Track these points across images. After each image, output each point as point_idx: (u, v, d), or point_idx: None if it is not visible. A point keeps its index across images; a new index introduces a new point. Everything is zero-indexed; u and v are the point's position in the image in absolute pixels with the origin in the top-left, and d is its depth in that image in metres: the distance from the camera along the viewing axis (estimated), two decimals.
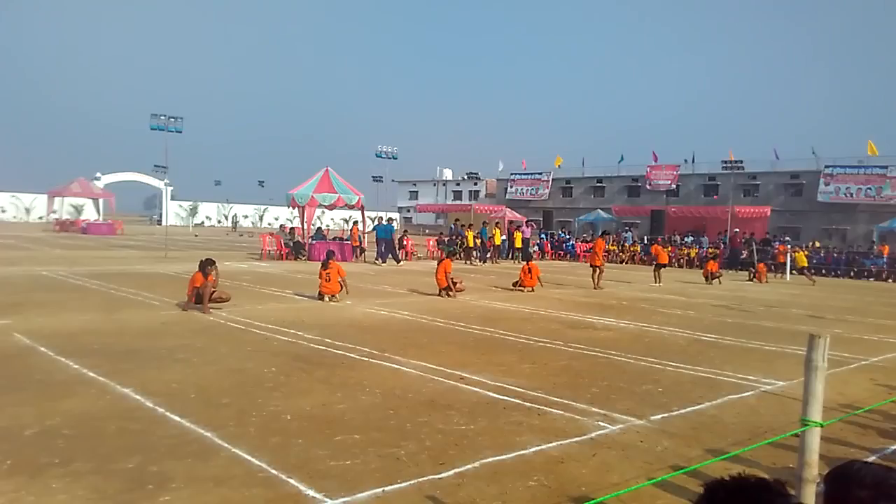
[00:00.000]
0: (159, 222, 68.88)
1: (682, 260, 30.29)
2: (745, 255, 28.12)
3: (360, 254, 25.63)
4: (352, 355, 7.84)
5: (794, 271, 24.14)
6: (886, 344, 10.17)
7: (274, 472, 4.20)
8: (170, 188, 73.24)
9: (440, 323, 10.70)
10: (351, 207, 26.36)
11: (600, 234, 23.63)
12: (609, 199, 53.73)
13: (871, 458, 4.74)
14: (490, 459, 4.55)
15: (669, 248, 27.64)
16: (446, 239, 29.70)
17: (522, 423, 5.44)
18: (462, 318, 11.27)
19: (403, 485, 4.07)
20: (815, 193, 44.05)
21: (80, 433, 4.81)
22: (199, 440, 4.75)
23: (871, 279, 26.41)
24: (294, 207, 26.38)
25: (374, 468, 4.32)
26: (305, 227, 26.30)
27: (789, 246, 27.96)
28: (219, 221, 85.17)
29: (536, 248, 32.95)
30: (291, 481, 4.07)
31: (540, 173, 60.46)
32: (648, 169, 52.62)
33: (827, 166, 43.76)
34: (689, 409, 6.02)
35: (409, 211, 77.09)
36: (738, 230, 32.67)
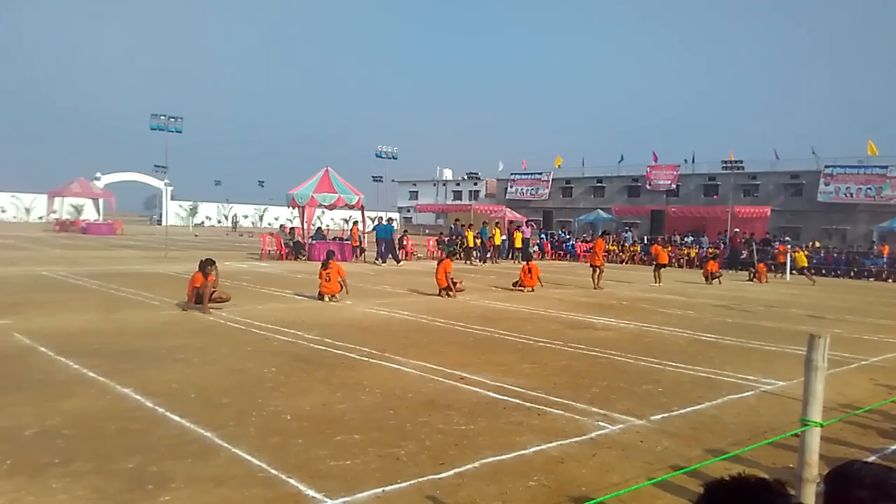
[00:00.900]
0: (159, 222, 68.88)
1: (682, 260, 30.28)
2: (745, 255, 28.12)
3: (360, 254, 25.63)
4: (352, 355, 7.84)
5: (794, 271, 24.14)
6: (886, 344, 10.17)
7: (274, 472, 4.20)
8: (170, 188, 73.24)
9: (440, 323, 10.70)
10: (351, 207, 26.36)
11: (600, 234, 23.62)
12: (609, 199, 53.72)
13: (871, 458, 4.74)
14: (490, 459, 4.55)
15: (669, 248, 27.64)
16: (446, 239, 29.70)
17: (522, 423, 5.44)
18: (462, 318, 11.27)
19: (403, 485, 4.07)
20: (815, 193, 44.05)
21: (80, 433, 4.81)
22: (199, 440, 4.75)
23: (871, 279, 26.41)
24: (294, 207, 26.38)
25: (374, 468, 4.32)
26: (305, 227, 26.30)
27: (789, 246, 27.96)
28: (219, 221, 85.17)
29: (536, 248, 32.94)
30: (291, 481, 4.07)
31: (540, 173, 60.46)
32: (648, 169, 52.62)
33: (827, 166, 43.76)
34: (689, 409, 6.02)
35: (409, 211, 77.08)
36: (738, 230, 32.67)
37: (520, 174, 62.03)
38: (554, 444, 4.93)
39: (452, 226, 32.96)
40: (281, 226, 29.27)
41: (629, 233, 37.44)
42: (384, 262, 24.04)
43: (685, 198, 49.79)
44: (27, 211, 71.59)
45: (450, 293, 14.29)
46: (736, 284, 21.13)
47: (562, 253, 34.25)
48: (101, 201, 53.19)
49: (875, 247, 30.82)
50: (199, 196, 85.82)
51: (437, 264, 15.09)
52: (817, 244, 32.70)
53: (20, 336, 8.24)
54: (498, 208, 45.67)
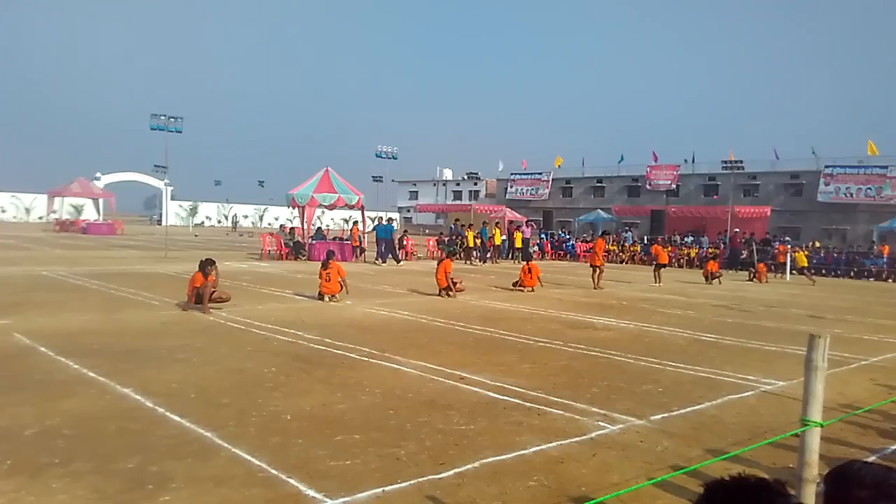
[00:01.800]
0: (159, 222, 68.87)
1: (682, 260, 30.28)
2: (745, 255, 28.12)
3: (360, 254, 25.64)
4: (352, 355, 7.84)
5: (794, 271, 24.14)
6: (886, 344, 10.17)
7: (274, 472, 4.20)
8: (170, 188, 73.23)
9: (440, 323, 10.70)
10: (351, 207, 26.36)
11: (600, 234, 23.62)
12: (609, 199, 53.72)
13: (871, 458, 4.74)
14: (490, 459, 4.55)
15: (669, 248, 27.64)
16: (446, 239, 29.69)
17: (522, 423, 5.44)
18: (462, 318, 11.27)
19: (403, 485, 4.07)
20: (815, 193, 44.05)
21: (80, 433, 4.81)
22: (199, 440, 4.75)
23: (871, 279, 26.41)
24: (294, 207, 26.38)
25: (374, 468, 4.32)
26: (305, 227, 26.30)
27: (789, 246, 27.96)
28: (219, 221, 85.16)
29: (536, 248, 32.94)
30: (291, 481, 4.07)
31: (540, 173, 60.46)
32: (648, 169, 52.62)
33: (827, 166, 43.76)
34: (689, 409, 6.02)
35: (409, 211, 77.07)
36: (738, 230, 32.66)
37: (520, 174, 62.03)
38: (554, 444, 4.93)
39: (452, 226, 32.96)
40: (281, 226, 29.27)
41: (629, 233, 37.44)
42: (384, 262, 24.05)
43: (685, 198, 49.80)
44: (27, 211, 71.59)
45: (450, 293, 14.29)
46: (736, 284, 21.13)
47: (562, 253, 34.25)
48: (101, 201, 53.20)
49: (875, 247, 30.82)
50: (199, 196, 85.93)
51: (437, 264, 15.09)
52: (817, 244, 32.69)
53: (20, 336, 8.24)
54: (498, 208, 45.66)
